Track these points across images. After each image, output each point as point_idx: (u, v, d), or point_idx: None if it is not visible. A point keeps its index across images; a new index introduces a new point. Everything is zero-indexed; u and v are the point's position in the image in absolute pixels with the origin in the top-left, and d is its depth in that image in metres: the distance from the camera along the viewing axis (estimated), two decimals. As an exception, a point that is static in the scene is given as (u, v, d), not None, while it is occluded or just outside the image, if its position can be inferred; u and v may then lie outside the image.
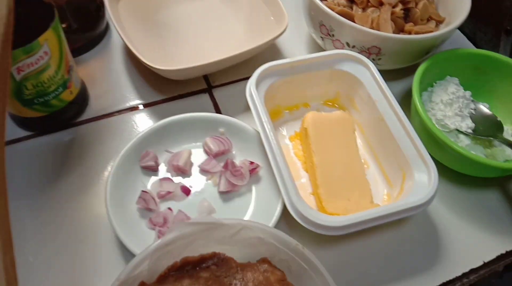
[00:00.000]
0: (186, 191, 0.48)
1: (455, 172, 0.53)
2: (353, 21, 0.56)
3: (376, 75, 0.52)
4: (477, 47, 0.65)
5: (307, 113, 0.51)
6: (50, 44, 0.44)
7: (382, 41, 0.52)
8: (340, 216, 0.41)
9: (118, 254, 0.45)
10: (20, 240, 0.43)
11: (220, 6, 0.65)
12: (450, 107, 0.55)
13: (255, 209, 0.47)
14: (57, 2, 0.48)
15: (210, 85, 0.59)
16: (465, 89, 0.55)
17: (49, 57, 0.45)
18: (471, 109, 0.56)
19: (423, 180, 0.44)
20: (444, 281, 0.45)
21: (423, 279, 0.45)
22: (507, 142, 0.50)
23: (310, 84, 0.55)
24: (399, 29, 0.56)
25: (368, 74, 0.53)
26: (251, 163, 0.48)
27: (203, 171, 0.49)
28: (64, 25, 0.52)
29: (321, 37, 0.57)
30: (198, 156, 0.50)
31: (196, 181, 0.49)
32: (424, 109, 0.50)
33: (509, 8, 0.56)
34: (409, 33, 0.57)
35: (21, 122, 0.52)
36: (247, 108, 0.50)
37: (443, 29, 0.52)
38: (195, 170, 0.49)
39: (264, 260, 0.37)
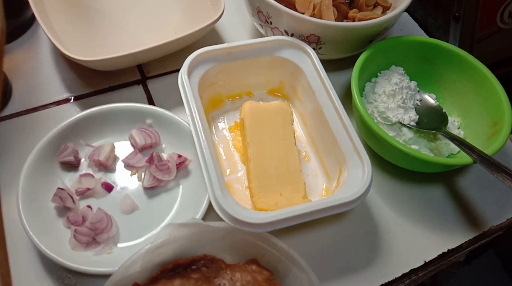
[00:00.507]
0: (108, 187, 0.45)
1: (397, 167, 0.51)
2: (294, 7, 0.54)
3: (316, 63, 0.49)
4: (428, 34, 0.63)
5: (244, 103, 0.48)
6: None
7: (320, 29, 0.49)
8: (265, 212, 0.39)
9: (37, 260, 0.42)
10: None
11: None
12: (393, 98, 0.52)
13: (181, 204, 0.45)
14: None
15: (144, 76, 0.55)
16: (411, 79, 0.53)
17: None
18: (417, 100, 0.54)
19: (357, 175, 0.42)
20: (383, 282, 0.44)
21: (362, 278, 0.44)
22: (449, 136, 0.48)
23: (251, 72, 0.51)
24: (343, 16, 0.54)
25: (309, 62, 0.50)
26: (179, 156, 0.45)
27: (128, 166, 0.47)
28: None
29: (260, 25, 0.54)
30: (123, 150, 0.48)
31: (120, 177, 0.46)
32: (362, 102, 0.48)
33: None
34: (353, 20, 0.54)
35: None
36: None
37: (383, 17, 0.49)
38: (119, 165, 0.47)
39: (252, 261, 0.38)
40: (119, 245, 0.42)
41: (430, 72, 0.53)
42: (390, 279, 0.44)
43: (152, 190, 0.45)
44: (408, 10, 0.63)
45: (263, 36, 0.59)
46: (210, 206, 0.41)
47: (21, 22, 0.57)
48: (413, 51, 0.53)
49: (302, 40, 0.52)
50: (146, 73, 0.56)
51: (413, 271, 0.45)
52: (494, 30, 0.60)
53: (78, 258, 0.40)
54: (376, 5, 0.55)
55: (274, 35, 0.55)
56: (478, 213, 0.49)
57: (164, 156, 0.46)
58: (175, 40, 0.51)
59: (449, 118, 0.54)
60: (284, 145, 0.47)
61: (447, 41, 0.58)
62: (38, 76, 0.53)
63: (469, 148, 0.45)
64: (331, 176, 0.47)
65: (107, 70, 0.53)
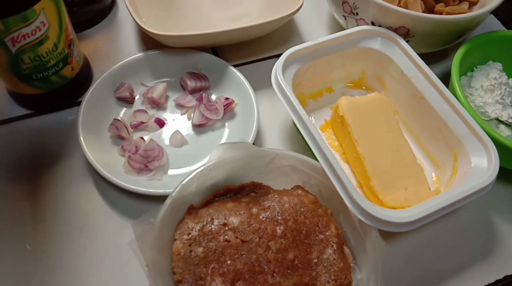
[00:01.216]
0: (160, 123, 0.47)
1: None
2: (379, -1, 0.51)
3: (407, 49, 0.46)
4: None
5: (339, 99, 0.46)
6: (47, 13, 0.40)
7: (411, 21, 0.46)
8: (408, 209, 0.36)
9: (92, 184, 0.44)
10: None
11: None
12: (491, 93, 0.48)
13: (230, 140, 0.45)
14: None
15: None
16: (509, 77, 0.50)
17: (47, 28, 0.40)
18: (515, 97, 0.50)
19: (481, 160, 0.40)
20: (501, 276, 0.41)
21: (481, 271, 0.41)
22: None
23: (334, 66, 0.49)
24: (429, 10, 0.52)
25: (397, 49, 0.47)
26: (226, 99, 0.47)
27: (178, 105, 0.49)
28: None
29: (344, 16, 0.52)
30: (174, 91, 0.50)
31: (171, 115, 0.48)
32: (464, 94, 0.44)
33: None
34: (440, 13, 0.51)
35: (20, 99, 0.48)
36: (260, 90, 0.49)
37: (477, 11, 0.47)
38: (170, 104, 0.49)
39: (297, 187, 0.40)
40: (169, 172, 0.44)
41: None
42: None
43: (200, 128, 0.47)
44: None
45: (341, 28, 0.56)
46: None
47: (101, 8, 0.56)
48: (509, 46, 0.50)
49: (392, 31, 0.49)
50: None
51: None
52: None
53: (131, 181, 0.41)
54: (462, 0, 0.53)
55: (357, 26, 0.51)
56: None
57: (212, 98, 0.48)
58: (251, 26, 0.49)
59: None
60: (393, 137, 0.44)
61: None
62: (117, 61, 0.50)
63: None
64: (440, 163, 0.45)
65: (183, 47, 0.50)
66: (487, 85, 0.48)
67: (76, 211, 0.42)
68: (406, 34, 0.49)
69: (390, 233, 0.40)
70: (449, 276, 0.41)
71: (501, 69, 0.51)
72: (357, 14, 0.50)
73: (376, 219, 0.35)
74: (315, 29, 0.59)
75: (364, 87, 0.52)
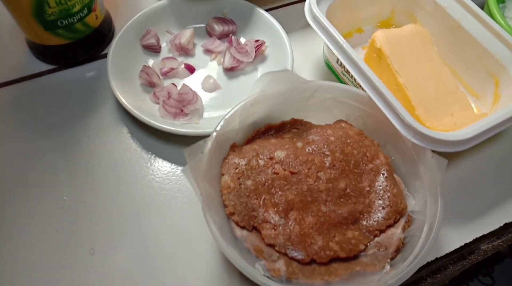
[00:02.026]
0: (190, 69, 0.46)
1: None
2: None
3: None
4: None
5: (374, 33, 0.44)
6: None
7: None
8: (460, 130, 0.36)
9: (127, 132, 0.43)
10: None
11: None
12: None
13: None
14: None
15: None
16: None
17: None
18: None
19: None
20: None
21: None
22: None
23: (363, 3, 0.48)
24: None
25: (428, -20, 0.46)
26: (256, 41, 0.46)
27: (207, 51, 0.47)
28: None
29: None
30: (201, 37, 0.49)
31: (200, 61, 0.47)
32: (503, 16, 0.43)
33: None
34: None
35: (43, 52, 0.46)
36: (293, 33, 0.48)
37: None
38: (198, 50, 0.48)
39: (341, 121, 0.39)
40: (204, 116, 0.43)
41: None
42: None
43: (231, 71, 0.46)
44: None
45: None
46: None
47: None
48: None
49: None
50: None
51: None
52: None
53: (169, 125, 0.40)
54: None
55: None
56: None
57: (242, 42, 0.47)
58: None
59: None
60: (433, 66, 0.43)
61: None
62: (139, 10, 0.48)
63: None
64: (479, 93, 0.44)
65: None
66: (522, 13, 0.47)
67: (112, 160, 0.41)
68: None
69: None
70: (500, 202, 0.40)
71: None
72: None
73: (431, 139, 0.34)
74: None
75: (394, 26, 0.51)
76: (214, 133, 0.36)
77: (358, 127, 0.39)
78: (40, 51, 0.46)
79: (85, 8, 0.43)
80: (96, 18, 0.45)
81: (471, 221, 0.39)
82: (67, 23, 0.42)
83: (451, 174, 0.41)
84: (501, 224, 0.39)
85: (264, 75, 0.37)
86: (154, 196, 0.39)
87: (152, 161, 0.41)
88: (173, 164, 0.41)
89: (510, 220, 0.39)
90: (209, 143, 0.35)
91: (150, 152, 0.42)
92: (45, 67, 0.47)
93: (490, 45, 0.42)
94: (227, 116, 0.37)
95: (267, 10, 0.52)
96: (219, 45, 0.47)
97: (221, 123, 0.36)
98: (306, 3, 0.42)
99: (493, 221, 0.39)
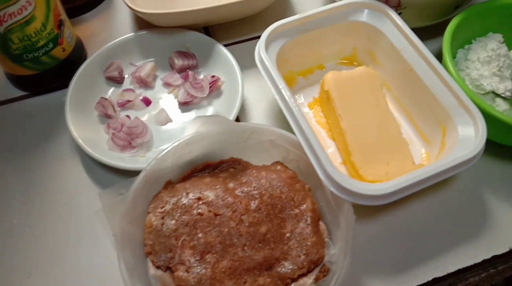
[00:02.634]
0: (146, 101, 0.48)
1: (493, 143, 0.44)
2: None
3: (397, 21, 0.44)
4: None
5: (326, 74, 0.45)
6: None
7: None
8: (384, 182, 0.35)
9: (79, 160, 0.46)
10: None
11: None
12: (488, 65, 0.46)
13: None
14: None
15: None
16: (510, 49, 0.48)
17: (33, 7, 0.42)
18: (516, 72, 0.47)
19: (468, 132, 0.38)
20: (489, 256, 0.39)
21: (468, 251, 0.39)
22: None
23: (324, 42, 0.48)
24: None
25: (388, 22, 0.46)
26: (213, 76, 0.47)
27: (166, 84, 0.49)
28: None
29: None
30: (163, 70, 0.51)
31: (158, 94, 0.49)
32: (456, 68, 0.42)
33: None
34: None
35: (16, 80, 0.50)
36: (251, 69, 0.48)
37: None
38: (158, 83, 0.50)
39: (277, 162, 0.40)
40: (153, 150, 0.44)
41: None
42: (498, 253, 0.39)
43: (185, 106, 0.48)
44: None
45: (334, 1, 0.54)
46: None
47: None
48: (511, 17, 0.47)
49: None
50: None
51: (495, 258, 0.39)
52: None
53: (114, 157, 0.42)
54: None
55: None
56: None
57: (200, 76, 0.48)
58: (236, 2, 0.49)
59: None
60: (379, 111, 0.43)
61: None
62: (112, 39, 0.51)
63: None
64: (430, 138, 0.43)
65: (173, 26, 0.51)
66: (483, 56, 0.46)
67: (62, 187, 0.44)
68: (397, 5, 0.47)
69: (371, 209, 0.39)
70: (433, 255, 0.39)
71: (502, 41, 0.48)
72: (347, -12, 0.49)
73: (347, 191, 0.34)
74: (308, 4, 0.58)
75: (356, 63, 0.51)
76: (143, 174, 0.37)
77: (294, 170, 0.40)
78: (13, 79, 0.49)
79: (50, 43, 0.46)
80: (64, 50, 0.48)
81: (401, 273, 0.38)
82: (32, 56, 0.45)
83: (383, 222, 0.41)
84: (430, 278, 0.38)
85: (196, 118, 0.39)
86: (95, 225, 0.41)
87: (98, 190, 0.43)
88: (102, 190, 0.42)
89: (439, 275, 0.38)
90: (135, 183, 0.37)
91: (98, 182, 0.44)
92: (18, 93, 0.50)
93: (438, 92, 0.41)
94: (159, 156, 0.38)
95: (230, 44, 0.54)
96: (177, 79, 0.48)
97: (152, 163, 0.38)
98: (257, 44, 0.43)
99: (421, 274, 0.38)
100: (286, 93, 0.40)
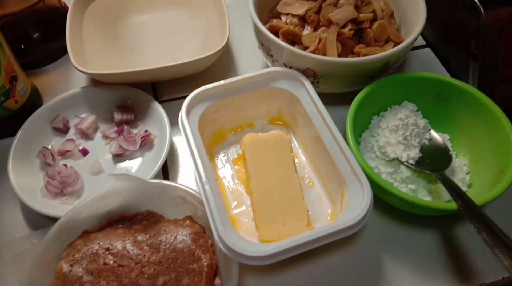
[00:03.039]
0: (84, 152, 0.53)
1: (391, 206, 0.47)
2: (300, 41, 0.54)
3: (310, 90, 0.49)
4: (450, 72, 0.60)
5: (244, 136, 0.49)
6: None
7: (313, 64, 0.49)
8: (267, 244, 0.38)
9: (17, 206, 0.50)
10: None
11: (181, 19, 0.66)
12: (395, 133, 0.49)
13: (138, 170, 0.51)
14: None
15: (157, 100, 0.58)
16: (425, 117, 0.51)
17: None
18: (426, 138, 0.50)
19: (358, 199, 0.42)
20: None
21: None
22: (442, 179, 0.44)
23: (249, 104, 0.52)
24: (349, 51, 0.53)
25: (303, 90, 0.50)
26: (146, 131, 0.52)
27: (104, 136, 0.54)
28: (36, 34, 0.61)
29: (265, 57, 0.55)
30: (105, 122, 0.56)
31: (97, 145, 0.54)
32: (353, 137, 0.46)
33: (475, 32, 0.52)
34: (358, 55, 0.53)
35: None
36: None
37: (378, 54, 0.48)
38: (98, 135, 0.54)
39: (187, 217, 0.43)
40: (82, 198, 0.46)
41: (446, 111, 0.51)
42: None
43: (118, 157, 0.52)
44: (431, 46, 0.64)
45: (269, 66, 0.59)
46: (158, 174, 0.49)
47: (59, 46, 0.61)
48: (426, 88, 0.51)
49: (300, 72, 0.51)
50: (159, 97, 0.59)
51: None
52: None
53: (45, 204, 0.47)
54: (388, 40, 0.54)
55: (275, 66, 0.55)
56: (471, 266, 0.44)
57: (136, 130, 0.53)
58: (181, 63, 0.53)
59: (459, 162, 0.50)
60: (285, 174, 0.47)
61: (467, 80, 0.55)
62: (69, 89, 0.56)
63: (458, 193, 0.42)
64: (335, 200, 0.46)
65: (119, 83, 0.56)
66: (391, 125, 0.49)
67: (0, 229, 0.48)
68: (314, 75, 0.51)
69: (265, 268, 0.43)
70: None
71: (415, 109, 0.52)
72: (272, 56, 0.54)
73: (231, 250, 0.38)
74: (250, 66, 0.62)
75: (281, 123, 0.55)
76: (57, 224, 0.42)
77: (204, 225, 0.44)
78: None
79: (2, 96, 0.51)
80: (16, 102, 0.53)
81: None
82: (-16, 108, 0.50)
83: (288, 276, 0.44)
84: None
85: (109, 175, 0.44)
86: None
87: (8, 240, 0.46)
88: (13, 239, 0.45)
89: None
90: (50, 231, 0.41)
91: (32, 227, 0.48)
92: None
93: (338, 160, 0.44)
94: (73, 208, 0.43)
95: (173, 100, 0.59)
96: (114, 132, 0.53)
97: (68, 214, 0.42)
98: (180, 111, 0.47)
99: None
100: (196, 155, 0.44)
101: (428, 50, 0.65)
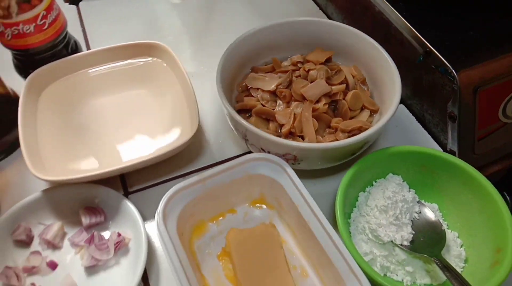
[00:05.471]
0: (52, 265, 0.47)
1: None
2: (274, 118, 0.52)
3: (293, 177, 0.46)
4: (427, 129, 0.59)
5: (228, 233, 0.47)
6: None
7: (292, 150, 0.47)
8: None
9: None
10: None
11: (144, 98, 0.61)
12: (386, 214, 0.47)
13: (117, 281, 0.46)
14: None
15: (127, 191, 0.54)
16: (411, 187, 0.50)
17: None
18: (415, 212, 0.49)
19: None
20: None
21: None
22: (441, 264, 0.43)
23: (229, 192, 0.49)
24: (326, 125, 0.52)
25: (285, 176, 0.47)
26: (119, 235, 0.47)
27: (73, 244, 0.49)
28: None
29: (241, 139, 0.52)
30: (73, 227, 0.50)
31: (65, 255, 0.48)
32: (348, 233, 0.44)
33: (450, 94, 0.51)
34: (336, 130, 0.51)
35: None
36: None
37: (358, 136, 0.47)
38: (66, 243, 0.49)
39: None
40: None
41: (432, 182, 0.50)
42: None
43: (92, 268, 0.47)
44: (405, 102, 0.63)
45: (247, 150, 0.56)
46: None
47: (13, 139, 0.57)
48: (411, 160, 0.50)
49: (280, 156, 0.49)
50: (129, 187, 0.55)
51: None
52: (498, 126, 0.55)
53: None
54: (363, 108, 0.53)
55: (252, 150, 0.53)
56: None
57: (108, 234, 0.49)
58: (151, 158, 0.51)
59: (451, 234, 0.49)
60: (278, 274, 0.44)
61: (446, 139, 0.55)
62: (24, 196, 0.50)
63: (455, 278, 0.40)
64: (333, 291, 0.43)
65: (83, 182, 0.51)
66: (381, 205, 0.48)
67: None
68: (294, 158, 0.49)
69: None
70: None
71: (401, 182, 0.50)
72: (247, 140, 0.51)
73: None
74: (226, 142, 0.59)
75: (265, 206, 0.51)
76: None
77: None
78: None
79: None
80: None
81: None
82: None
83: None
84: None
85: None
86: None
87: None
88: None
89: None
90: None
91: None
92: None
93: (332, 255, 0.42)
94: None
95: (145, 188, 0.54)
96: (84, 238, 0.48)
97: None
98: (156, 212, 0.44)
99: None
100: (178, 270, 0.40)
101: (402, 106, 0.64)
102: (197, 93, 0.56)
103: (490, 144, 0.57)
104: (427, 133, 0.61)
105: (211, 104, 0.63)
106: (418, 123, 0.62)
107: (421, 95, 0.60)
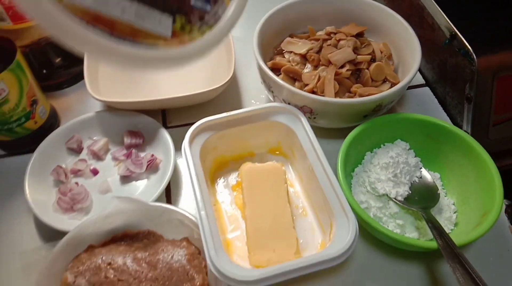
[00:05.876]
0: (94, 172, 0.57)
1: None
2: (300, 78, 0.58)
3: (305, 125, 0.52)
4: (446, 111, 0.63)
5: (242, 165, 0.52)
6: (7, 83, 0.51)
7: (310, 102, 0.52)
8: (256, 269, 0.41)
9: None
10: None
11: None
12: (386, 170, 0.52)
13: (143, 191, 0.55)
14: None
15: (166, 125, 0.62)
16: (417, 155, 0.54)
17: (7, 93, 0.51)
18: (416, 176, 0.53)
19: (344, 232, 0.44)
20: None
21: None
22: (427, 217, 0.46)
23: (250, 135, 0.56)
24: (346, 89, 0.57)
25: (300, 125, 0.53)
26: (152, 156, 0.55)
27: (114, 158, 0.57)
28: (58, 60, 0.67)
29: (266, 91, 0.59)
30: (116, 145, 0.59)
31: (106, 165, 0.57)
32: (343, 174, 0.49)
33: (469, 75, 0.55)
34: (354, 94, 0.57)
35: None
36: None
37: (373, 96, 0.51)
38: (108, 157, 0.58)
39: (184, 239, 0.47)
40: (90, 215, 0.52)
41: (437, 151, 0.53)
42: None
43: (125, 178, 0.56)
44: (430, 85, 0.67)
45: (271, 99, 0.63)
46: (161, 196, 0.52)
47: (78, 71, 0.65)
48: (417, 129, 0.53)
49: (298, 109, 0.55)
50: (168, 123, 0.63)
51: None
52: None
53: (56, 219, 0.50)
54: (385, 80, 0.57)
55: (275, 101, 0.59)
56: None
57: (143, 154, 0.57)
58: (189, 95, 0.58)
59: (447, 200, 0.52)
60: (278, 203, 0.50)
61: (462, 121, 0.58)
62: (86, 112, 0.61)
63: (439, 232, 0.44)
64: (325, 230, 0.49)
65: (131, 109, 0.60)
66: (383, 162, 0.52)
67: (14, 240, 0.52)
68: (310, 111, 0.55)
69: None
70: None
71: (407, 148, 0.55)
72: (272, 92, 0.58)
73: (220, 273, 0.41)
74: (255, 96, 0.66)
75: (279, 153, 0.58)
76: (65, 238, 0.46)
77: (199, 247, 0.47)
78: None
79: (23, 118, 0.56)
80: (36, 123, 0.58)
81: None
82: (7, 128, 0.55)
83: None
84: None
85: (113, 198, 0.47)
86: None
87: (46, 247, 0.50)
88: (23, 251, 0.49)
89: None
90: (58, 245, 0.45)
91: (44, 239, 0.52)
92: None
93: (328, 194, 0.47)
94: (81, 224, 0.47)
95: (181, 126, 0.63)
96: (123, 155, 0.57)
97: (75, 230, 0.46)
98: (183, 141, 0.51)
99: None
100: (195, 182, 0.47)
101: (427, 89, 0.68)
102: (236, 55, 0.64)
103: (505, 131, 0.60)
104: (446, 115, 0.64)
105: (247, 66, 0.70)
106: (440, 105, 0.66)
107: (445, 78, 0.64)
